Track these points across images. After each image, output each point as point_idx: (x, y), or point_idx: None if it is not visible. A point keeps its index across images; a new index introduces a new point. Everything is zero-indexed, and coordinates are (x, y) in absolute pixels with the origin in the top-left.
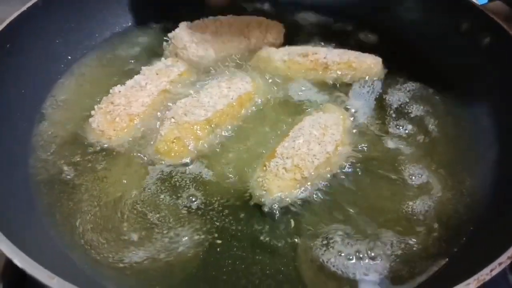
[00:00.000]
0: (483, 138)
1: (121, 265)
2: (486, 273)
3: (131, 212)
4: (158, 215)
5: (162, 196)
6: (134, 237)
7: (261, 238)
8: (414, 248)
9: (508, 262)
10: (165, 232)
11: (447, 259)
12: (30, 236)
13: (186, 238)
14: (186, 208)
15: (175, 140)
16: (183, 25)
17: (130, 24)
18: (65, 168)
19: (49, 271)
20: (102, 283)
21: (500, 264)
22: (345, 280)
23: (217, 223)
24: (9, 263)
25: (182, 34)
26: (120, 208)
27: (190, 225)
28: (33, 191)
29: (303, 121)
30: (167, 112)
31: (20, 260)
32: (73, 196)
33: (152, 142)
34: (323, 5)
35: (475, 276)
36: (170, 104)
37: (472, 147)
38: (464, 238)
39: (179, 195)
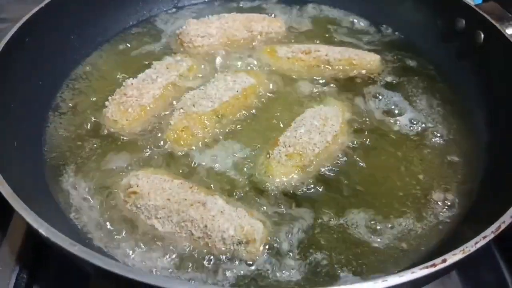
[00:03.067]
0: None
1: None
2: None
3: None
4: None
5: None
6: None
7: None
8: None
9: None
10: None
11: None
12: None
13: None
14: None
15: (183, 129)
16: (189, 21)
17: (141, 20)
18: (79, 154)
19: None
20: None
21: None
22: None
23: None
24: (24, 244)
25: (189, 29)
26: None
27: None
28: (48, 175)
29: (305, 112)
30: (176, 103)
31: (45, 230)
32: (86, 175)
33: (162, 131)
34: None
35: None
36: (179, 96)
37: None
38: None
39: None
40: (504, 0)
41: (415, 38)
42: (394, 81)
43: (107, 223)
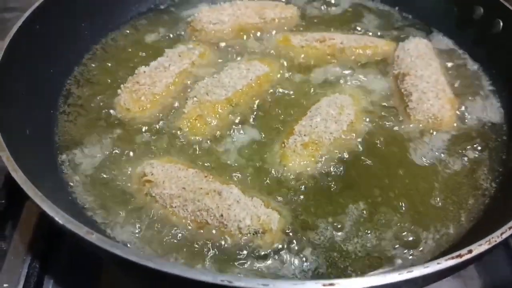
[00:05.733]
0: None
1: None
2: None
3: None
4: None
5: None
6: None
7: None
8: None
9: None
10: None
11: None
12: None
13: None
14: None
15: (197, 118)
16: (202, 9)
17: (153, 7)
18: (91, 143)
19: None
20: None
21: None
22: None
23: None
24: (36, 234)
25: (201, 16)
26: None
27: None
28: (60, 163)
29: (320, 101)
30: (189, 91)
31: (61, 217)
32: (99, 167)
33: (176, 120)
34: None
35: None
36: (192, 84)
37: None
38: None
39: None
40: None
41: (433, 24)
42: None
43: (121, 212)
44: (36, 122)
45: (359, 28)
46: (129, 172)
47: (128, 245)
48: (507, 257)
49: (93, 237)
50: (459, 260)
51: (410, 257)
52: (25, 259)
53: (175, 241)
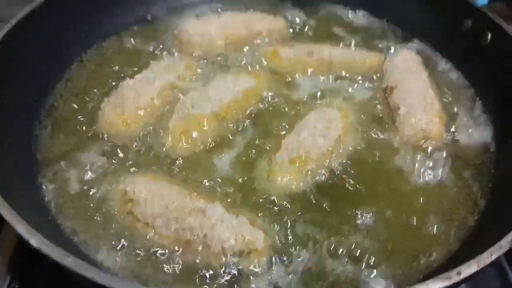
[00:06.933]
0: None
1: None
2: None
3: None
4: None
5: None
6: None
7: None
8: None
9: None
10: None
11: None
12: (40, 221)
13: None
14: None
15: (182, 132)
16: (188, 21)
17: (139, 18)
18: (72, 159)
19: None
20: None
21: None
22: None
23: None
24: (16, 253)
25: (188, 28)
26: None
27: None
28: (40, 180)
29: (308, 115)
30: (175, 105)
31: (36, 239)
32: (81, 185)
33: (160, 135)
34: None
35: None
36: (178, 98)
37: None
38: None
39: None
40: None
41: (421, 37)
42: None
43: (103, 231)
44: (16, 138)
45: (347, 41)
46: (111, 189)
47: (109, 267)
48: (497, 273)
49: (70, 261)
50: (447, 283)
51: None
52: (4, 280)
53: (157, 263)
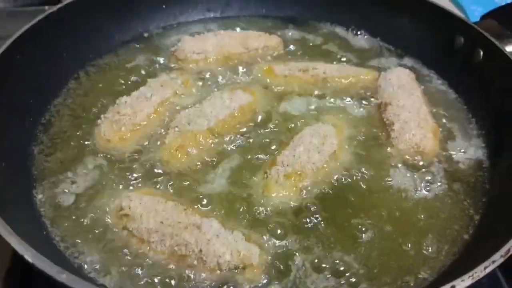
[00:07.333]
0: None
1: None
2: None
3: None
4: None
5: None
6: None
7: None
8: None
9: None
10: None
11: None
12: (35, 237)
13: None
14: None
15: (178, 148)
16: (185, 38)
17: (136, 35)
18: (69, 174)
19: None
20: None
21: None
22: None
23: None
24: (12, 267)
25: (184, 46)
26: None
27: None
28: (36, 197)
29: (303, 130)
30: (171, 121)
31: (31, 256)
32: (77, 200)
33: (156, 150)
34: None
35: None
36: (174, 114)
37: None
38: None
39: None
40: (502, 18)
41: (414, 54)
42: None
43: (98, 247)
44: (12, 154)
45: (341, 58)
46: (107, 205)
47: (104, 284)
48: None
49: (64, 277)
50: None
51: None
52: None
53: (153, 278)
